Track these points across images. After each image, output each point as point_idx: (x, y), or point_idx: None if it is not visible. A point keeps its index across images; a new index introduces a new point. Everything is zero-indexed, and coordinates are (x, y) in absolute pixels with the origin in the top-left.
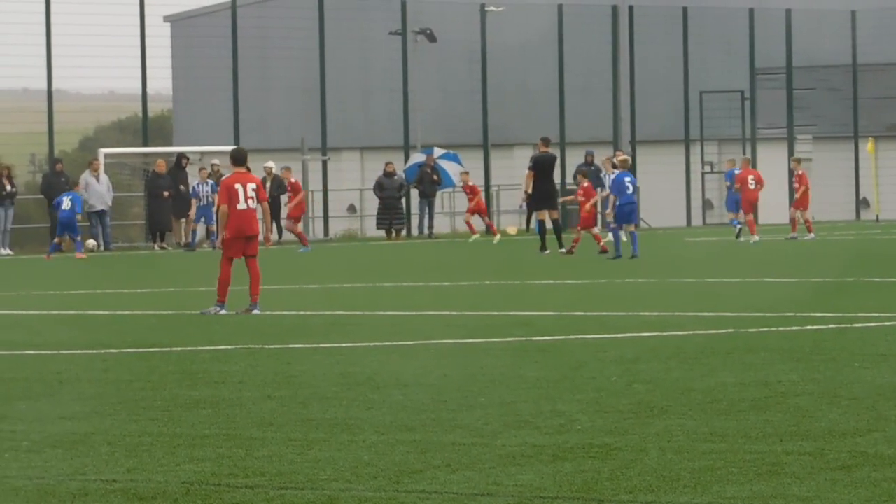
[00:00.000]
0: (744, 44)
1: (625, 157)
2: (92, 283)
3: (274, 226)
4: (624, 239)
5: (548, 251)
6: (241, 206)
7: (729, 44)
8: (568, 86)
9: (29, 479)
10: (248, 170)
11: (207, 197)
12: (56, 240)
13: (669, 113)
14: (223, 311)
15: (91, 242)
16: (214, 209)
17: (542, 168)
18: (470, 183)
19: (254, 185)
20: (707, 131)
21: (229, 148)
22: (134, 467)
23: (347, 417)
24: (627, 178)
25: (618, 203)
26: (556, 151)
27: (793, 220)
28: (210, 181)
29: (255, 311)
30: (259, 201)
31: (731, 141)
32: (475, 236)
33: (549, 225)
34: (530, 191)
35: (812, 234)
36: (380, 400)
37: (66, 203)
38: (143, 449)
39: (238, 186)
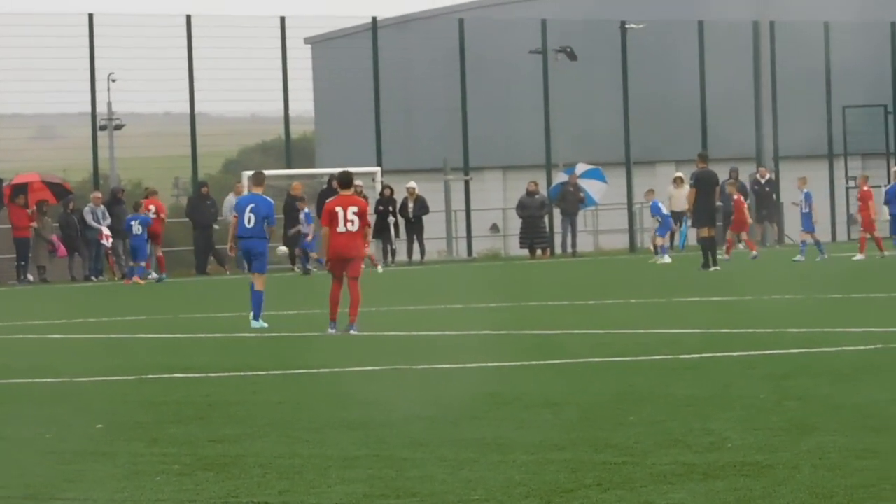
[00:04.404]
0: (886, 57)
1: None
2: (238, 307)
3: (417, 246)
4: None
5: (714, 268)
6: (341, 228)
7: (871, 57)
8: (710, 102)
9: (181, 502)
10: (358, 192)
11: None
12: (132, 264)
13: (812, 128)
14: (331, 331)
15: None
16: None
17: (704, 184)
18: None
19: (355, 209)
20: (850, 146)
21: (373, 169)
22: (286, 489)
23: (497, 437)
24: None
25: (891, 213)
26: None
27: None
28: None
29: (353, 332)
30: (362, 225)
31: (875, 156)
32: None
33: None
34: (692, 207)
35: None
36: (529, 419)
37: (136, 227)
38: (294, 471)
39: (339, 210)
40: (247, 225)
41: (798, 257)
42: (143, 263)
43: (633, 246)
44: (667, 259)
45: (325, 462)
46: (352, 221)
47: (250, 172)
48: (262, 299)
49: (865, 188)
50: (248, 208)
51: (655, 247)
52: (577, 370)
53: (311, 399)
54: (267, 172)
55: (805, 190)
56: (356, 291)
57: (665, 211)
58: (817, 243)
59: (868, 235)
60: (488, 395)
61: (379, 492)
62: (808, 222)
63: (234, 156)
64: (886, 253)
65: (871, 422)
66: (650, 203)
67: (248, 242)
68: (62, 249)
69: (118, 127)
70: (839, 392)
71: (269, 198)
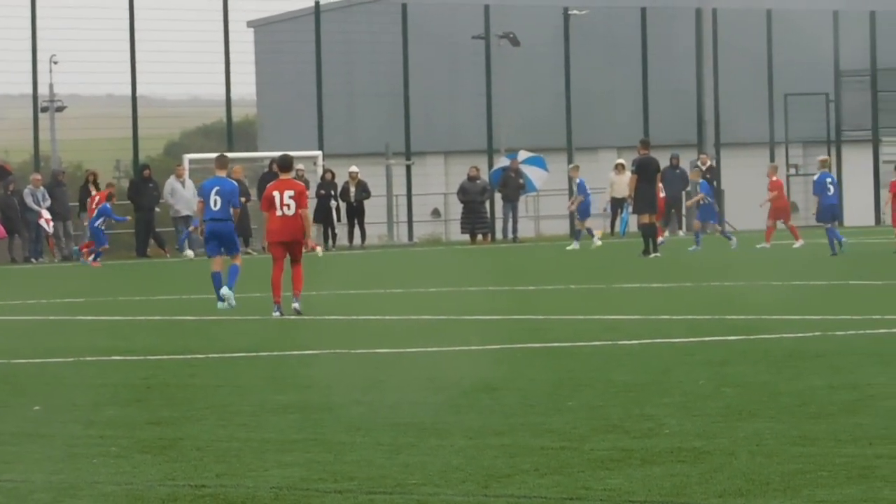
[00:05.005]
0: (828, 45)
1: (825, 157)
2: (179, 289)
3: (358, 230)
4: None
5: (653, 254)
6: (279, 212)
7: (813, 46)
8: (652, 88)
9: (118, 484)
10: (299, 176)
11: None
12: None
13: (754, 115)
14: (276, 314)
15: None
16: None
17: (645, 171)
18: None
19: (291, 193)
20: (791, 134)
21: (315, 153)
22: (223, 472)
23: (436, 422)
24: (828, 179)
25: (820, 203)
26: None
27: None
28: None
29: (295, 305)
30: (299, 208)
31: (816, 143)
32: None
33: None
34: (633, 194)
35: (801, 241)
36: (468, 404)
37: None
38: (231, 454)
39: (276, 194)
40: (213, 208)
41: (732, 242)
42: (106, 246)
43: (573, 232)
44: (576, 246)
45: (262, 446)
46: (288, 206)
47: (191, 155)
48: (238, 272)
49: (774, 178)
50: (213, 191)
51: (588, 230)
52: (517, 355)
53: (249, 382)
54: (209, 156)
55: (701, 181)
56: (299, 273)
57: (588, 190)
58: (697, 234)
59: (772, 223)
60: (427, 380)
61: (316, 476)
62: (710, 212)
63: (176, 139)
64: (768, 245)
65: (809, 409)
66: (577, 180)
67: (217, 225)
68: (1, 231)
69: (60, 109)
70: (777, 379)
71: (232, 180)
